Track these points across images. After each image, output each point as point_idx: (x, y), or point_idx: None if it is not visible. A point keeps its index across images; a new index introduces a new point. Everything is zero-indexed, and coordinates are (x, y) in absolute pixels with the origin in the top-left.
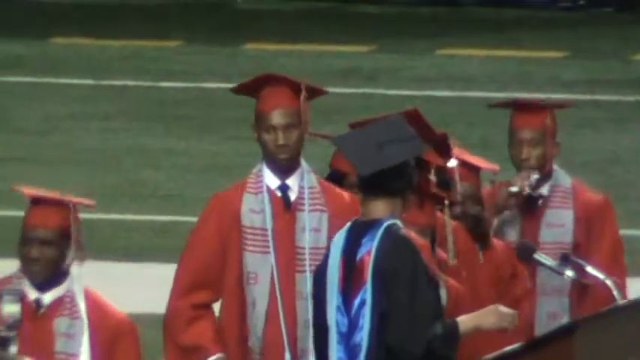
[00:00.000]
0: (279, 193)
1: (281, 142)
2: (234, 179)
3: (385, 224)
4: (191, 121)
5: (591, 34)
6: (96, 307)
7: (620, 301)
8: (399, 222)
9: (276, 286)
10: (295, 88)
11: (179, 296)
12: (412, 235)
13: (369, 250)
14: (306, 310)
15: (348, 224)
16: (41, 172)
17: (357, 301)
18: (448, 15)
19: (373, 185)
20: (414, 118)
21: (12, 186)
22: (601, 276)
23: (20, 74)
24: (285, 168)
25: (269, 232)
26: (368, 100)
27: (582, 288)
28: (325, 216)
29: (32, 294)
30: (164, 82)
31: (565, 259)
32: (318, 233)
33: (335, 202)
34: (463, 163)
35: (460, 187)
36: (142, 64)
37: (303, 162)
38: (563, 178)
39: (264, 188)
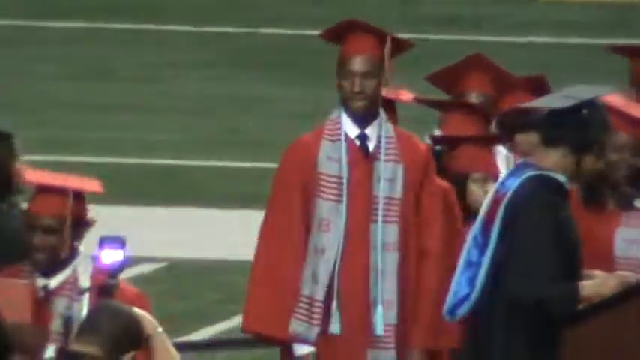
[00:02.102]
0: (357, 142)
1: (357, 88)
2: None
3: (535, 171)
4: (290, 68)
5: None
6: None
7: None
8: (557, 175)
9: (344, 235)
10: (380, 36)
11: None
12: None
13: (506, 191)
14: (376, 260)
15: (520, 161)
16: (142, 119)
17: (487, 239)
18: None
19: (539, 130)
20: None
21: (112, 134)
22: None
23: (120, 21)
24: (361, 116)
25: (344, 181)
26: (470, 47)
27: None
28: (400, 167)
29: (39, 281)
30: (265, 29)
31: None
32: (392, 183)
33: (411, 153)
34: (620, 113)
35: (617, 137)
36: (243, 11)
37: (381, 112)
38: None
39: (343, 136)
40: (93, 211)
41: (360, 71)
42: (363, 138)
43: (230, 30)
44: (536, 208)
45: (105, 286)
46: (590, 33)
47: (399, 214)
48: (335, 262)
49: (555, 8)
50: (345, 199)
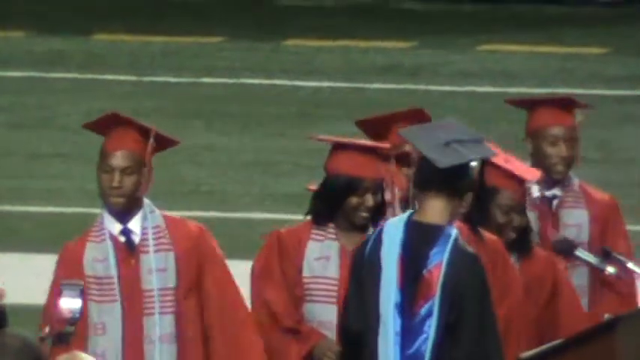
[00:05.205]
0: (122, 238)
1: (115, 184)
2: (275, 175)
3: (453, 237)
4: (233, 117)
5: (633, 30)
6: None
7: None
8: (456, 231)
9: (121, 334)
10: (143, 132)
11: None
12: (488, 236)
13: (438, 263)
14: (152, 354)
15: (405, 220)
16: (84, 168)
17: (422, 311)
18: (490, 11)
19: (437, 182)
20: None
21: (56, 183)
22: None
23: (62, 71)
24: (121, 211)
25: (115, 280)
26: (409, 96)
27: (604, 285)
28: (171, 255)
29: None
30: (206, 79)
31: (606, 255)
32: (165, 273)
33: (182, 239)
34: (504, 170)
35: (503, 197)
36: (184, 60)
37: (146, 201)
38: (571, 178)
39: (107, 235)
40: (37, 259)
41: (120, 167)
42: (126, 233)
43: (172, 79)
44: (479, 273)
45: (62, 334)
46: (531, 82)
47: (174, 304)
48: None
49: (496, 57)
50: (119, 297)
